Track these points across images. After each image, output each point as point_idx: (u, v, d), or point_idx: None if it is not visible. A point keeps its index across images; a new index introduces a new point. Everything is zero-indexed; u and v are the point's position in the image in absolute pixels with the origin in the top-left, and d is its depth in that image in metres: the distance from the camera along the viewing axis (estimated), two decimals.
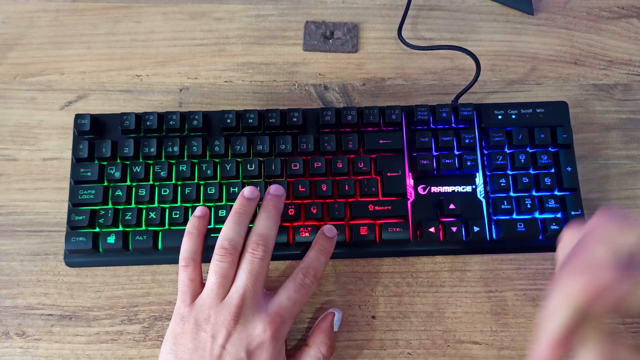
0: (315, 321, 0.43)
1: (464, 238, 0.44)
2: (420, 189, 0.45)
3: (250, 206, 0.40)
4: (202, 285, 0.39)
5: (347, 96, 0.51)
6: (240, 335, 0.36)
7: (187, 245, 0.40)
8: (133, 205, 0.44)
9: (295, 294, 0.38)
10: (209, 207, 0.43)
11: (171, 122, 0.45)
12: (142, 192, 0.44)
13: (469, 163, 0.45)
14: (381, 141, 0.45)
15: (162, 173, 0.44)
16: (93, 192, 0.44)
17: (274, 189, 0.41)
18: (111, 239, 0.43)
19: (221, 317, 0.36)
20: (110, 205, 0.44)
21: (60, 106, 0.50)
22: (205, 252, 0.40)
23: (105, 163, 0.45)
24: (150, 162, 0.45)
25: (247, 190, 0.41)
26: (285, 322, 0.38)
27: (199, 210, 0.41)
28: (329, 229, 0.42)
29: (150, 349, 0.43)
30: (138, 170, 0.44)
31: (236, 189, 0.44)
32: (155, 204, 0.44)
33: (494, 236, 0.44)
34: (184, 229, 0.41)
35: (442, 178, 0.46)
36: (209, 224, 0.43)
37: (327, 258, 0.41)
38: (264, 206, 0.40)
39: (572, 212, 0.44)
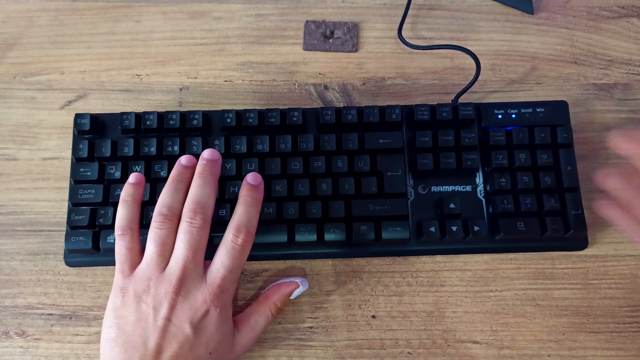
0: (316, 319, 0.43)
1: (464, 237, 0.44)
2: (420, 189, 0.45)
3: (187, 173, 0.39)
4: (141, 255, 0.38)
5: (347, 95, 0.51)
6: (183, 307, 0.36)
7: (123, 213, 0.38)
8: None
9: (228, 260, 0.37)
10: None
11: (171, 122, 0.45)
12: None
13: (469, 162, 0.45)
14: (381, 140, 0.45)
15: (162, 173, 0.44)
16: (93, 191, 0.44)
17: (209, 153, 0.39)
18: (111, 239, 0.43)
19: (162, 290, 0.36)
20: (110, 205, 0.44)
21: (60, 106, 0.50)
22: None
23: (105, 163, 0.45)
24: (150, 161, 0.45)
25: (185, 159, 0.39)
26: (225, 290, 0.37)
27: (133, 177, 0.40)
28: (252, 177, 0.39)
29: None
30: (138, 170, 0.44)
31: (236, 189, 0.44)
32: (155, 204, 0.44)
33: (494, 236, 0.44)
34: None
35: (442, 177, 0.46)
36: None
37: (257, 208, 0.39)
38: (200, 172, 0.38)
39: (572, 212, 0.44)
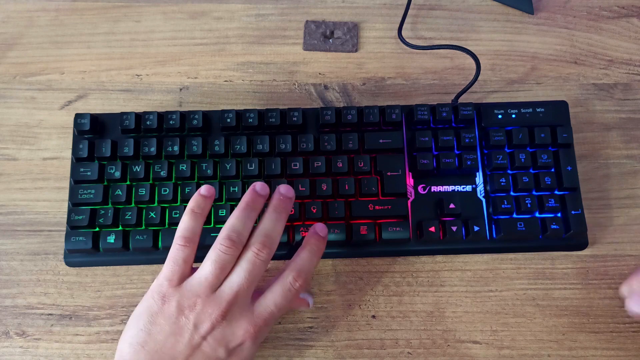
0: (316, 319, 0.43)
1: (464, 237, 0.44)
2: (420, 189, 0.45)
3: (260, 202, 0.39)
4: (193, 268, 0.38)
5: (347, 95, 0.51)
6: (224, 331, 0.35)
7: (189, 224, 0.38)
8: (133, 205, 0.44)
9: (281, 300, 0.37)
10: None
11: (171, 122, 0.45)
12: (142, 191, 0.44)
13: (469, 162, 0.45)
14: (381, 140, 0.45)
15: (162, 173, 0.44)
16: (93, 191, 0.44)
17: (286, 190, 0.40)
18: (111, 239, 0.43)
19: (209, 310, 0.35)
20: (110, 205, 0.44)
21: (60, 106, 0.50)
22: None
23: (105, 163, 0.45)
24: (150, 161, 0.45)
25: (260, 186, 0.39)
26: (268, 325, 0.37)
27: (206, 190, 0.39)
28: (321, 228, 0.41)
29: None
30: (138, 170, 0.44)
31: (236, 189, 0.44)
32: (155, 204, 0.44)
33: (494, 236, 0.44)
34: None
35: (442, 177, 0.46)
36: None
37: (318, 259, 0.40)
38: (275, 207, 0.39)
39: (572, 212, 0.44)
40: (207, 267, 0.36)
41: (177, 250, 0.37)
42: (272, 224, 0.38)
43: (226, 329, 0.35)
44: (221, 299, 0.36)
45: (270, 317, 0.37)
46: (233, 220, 0.38)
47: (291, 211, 0.43)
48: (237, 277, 0.36)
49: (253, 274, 0.36)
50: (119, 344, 0.36)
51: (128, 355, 0.35)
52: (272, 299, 0.37)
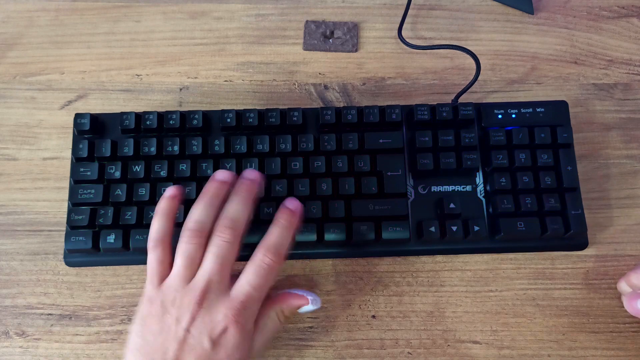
0: (316, 319, 0.43)
1: (464, 237, 0.44)
2: (420, 188, 0.45)
3: (221, 189, 0.39)
4: (171, 267, 0.38)
5: (347, 95, 0.51)
6: (204, 320, 0.36)
7: (157, 226, 0.39)
8: (133, 205, 0.44)
9: (255, 278, 0.37)
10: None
11: (171, 122, 0.45)
12: (142, 191, 0.44)
13: (469, 162, 0.45)
14: (381, 140, 0.45)
15: (162, 173, 0.44)
16: (93, 191, 0.44)
17: (249, 172, 0.40)
18: (111, 239, 0.43)
19: (185, 301, 0.36)
20: (110, 205, 0.44)
21: (60, 106, 0.50)
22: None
23: (105, 163, 0.45)
24: (150, 161, 0.45)
25: (220, 173, 0.40)
26: (247, 308, 0.37)
27: (170, 190, 0.40)
28: (291, 201, 0.40)
29: None
30: (138, 170, 0.44)
31: None
32: (155, 204, 0.44)
33: (494, 236, 0.44)
34: None
35: (442, 177, 0.46)
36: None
37: (290, 232, 0.39)
38: (237, 190, 0.39)
39: (572, 212, 0.44)
40: (177, 262, 0.37)
41: (150, 253, 0.38)
42: (234, 206, 0.38)
43: (205, 317, 0.36)
44: (195, 287, 0.36)
45: (247, 298, 0.37)
46: (193, 211, 0.38)
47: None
48: (207, 263, 0.37)
49: (222, 258, 0.37)
50: (125, 351, 0.37)
51: None
52: (245, 279, 0.37)
